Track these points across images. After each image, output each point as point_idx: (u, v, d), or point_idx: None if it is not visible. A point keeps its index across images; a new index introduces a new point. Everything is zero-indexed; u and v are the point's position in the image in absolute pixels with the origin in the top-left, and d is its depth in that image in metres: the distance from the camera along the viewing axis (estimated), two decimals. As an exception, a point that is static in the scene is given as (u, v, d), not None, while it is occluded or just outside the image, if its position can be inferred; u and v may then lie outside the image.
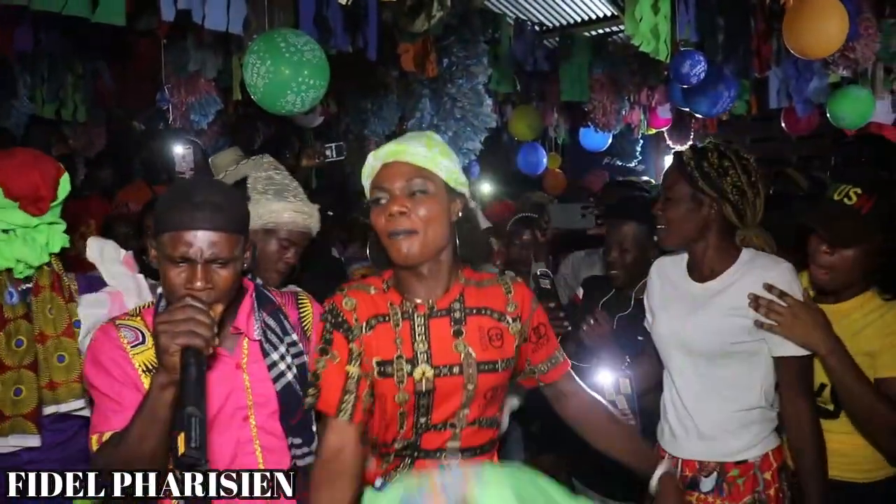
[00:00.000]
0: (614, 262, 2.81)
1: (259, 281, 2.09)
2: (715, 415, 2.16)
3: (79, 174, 5.50)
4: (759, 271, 2.08)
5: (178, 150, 5.70)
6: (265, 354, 1.86)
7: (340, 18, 3.63)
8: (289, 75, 3.01)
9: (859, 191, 2.12)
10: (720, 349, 2.12)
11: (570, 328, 2.58)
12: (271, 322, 1.90)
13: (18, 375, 2.12)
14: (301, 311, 1.99)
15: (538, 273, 2.68)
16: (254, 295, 1.91)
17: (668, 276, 2.34)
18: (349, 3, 2.98)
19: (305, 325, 1.97)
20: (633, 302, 2.79)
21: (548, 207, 3.92)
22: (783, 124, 6.57)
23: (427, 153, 1.74)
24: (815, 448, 2.05)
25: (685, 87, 4.72)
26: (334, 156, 3.84)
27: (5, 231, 2.08)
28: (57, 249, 2.18)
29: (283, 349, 1.88)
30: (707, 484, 2.16)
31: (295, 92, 3.03)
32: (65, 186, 2.15)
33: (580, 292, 3.08)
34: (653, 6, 3.71)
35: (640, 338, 2.57)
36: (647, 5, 3.68)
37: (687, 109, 5.67)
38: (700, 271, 2.20)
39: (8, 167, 2.04)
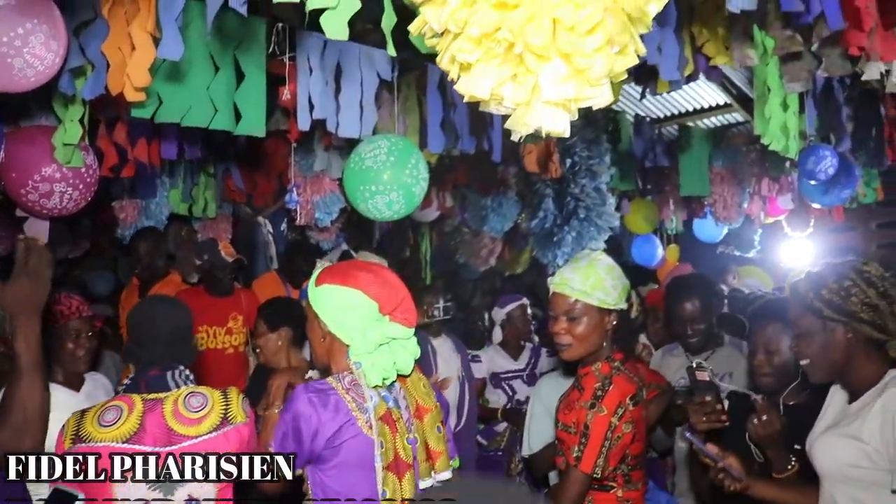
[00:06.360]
0: (761, 365, 2.63)
1: None
2: None
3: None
4: (887, 397, 1.93)
5: None
6: None
7: (466, 123, 3.71)
8: (353, 185, 3.29)
9: None
10: (837, 472, 1.99)
11: (727, 423, 2.41)
12: None
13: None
14: None
15: (694, 365, 2.51)
16: None
17: (836, 391, 2.20)
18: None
19: None
20: (782, 408, 2.58)
21: None
22: (912, 210, 6.30)
23: (582, 286, 2.33)
24: None
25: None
26: (441, 315, 4.12)
27: (381, 344, 2.04)
28: (418, 354, 2.15)
29: None
30: None
31: (360, 200, 3.26)
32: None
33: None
34: (781, 104, 3.64)
35: (796, 446, 2.38)
36: (776, 103, 3.61)
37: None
38: (851, 392, 2.09)
39: (374, 283, 2.03)
